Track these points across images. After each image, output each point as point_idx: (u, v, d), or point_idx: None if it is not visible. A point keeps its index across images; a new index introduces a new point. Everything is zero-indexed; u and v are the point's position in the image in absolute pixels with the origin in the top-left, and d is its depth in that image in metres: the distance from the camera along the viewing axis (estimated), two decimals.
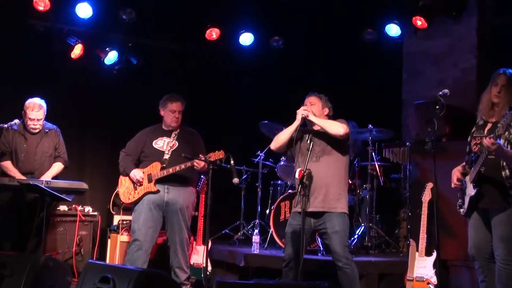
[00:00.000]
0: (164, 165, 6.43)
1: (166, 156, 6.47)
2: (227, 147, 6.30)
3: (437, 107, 5.50)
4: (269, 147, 6.01)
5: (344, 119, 5.71)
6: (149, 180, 6.42)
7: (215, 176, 5.90)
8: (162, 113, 6.62)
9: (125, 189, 6.53)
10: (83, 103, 8.64)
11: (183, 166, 6.33)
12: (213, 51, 9.18)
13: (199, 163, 6.29)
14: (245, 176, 8.68)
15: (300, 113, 5.62)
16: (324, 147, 5.62)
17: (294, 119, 5.73)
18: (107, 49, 8.39)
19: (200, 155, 6.23)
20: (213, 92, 9.34)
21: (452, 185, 5.61)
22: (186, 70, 9.15)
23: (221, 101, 9.44)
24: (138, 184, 6.43)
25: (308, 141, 5.58)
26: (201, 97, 9.14)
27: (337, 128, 5.53)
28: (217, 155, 6.15)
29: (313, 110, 5.70)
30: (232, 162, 5.95)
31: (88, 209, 7.82)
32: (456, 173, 5.57)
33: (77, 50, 8.21)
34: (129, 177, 6.51)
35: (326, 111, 5.83)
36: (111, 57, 8.43)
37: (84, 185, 7.09)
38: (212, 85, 9.34)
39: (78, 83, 8.51)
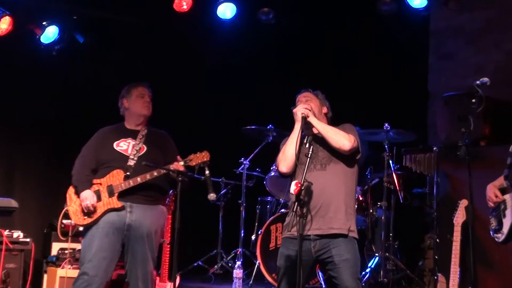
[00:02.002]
0: (128, 173, 6.31)
1: (131, 162, 6.34)
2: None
3: (474, 100, 5.50)
4: (276, 167, 5.94)
5: (353, 125, 5.72)
6: (111, 194, 6.27)
7: (185, 191, 5.85)
8: (126, 104, 6.54)
9: (77, 207, 6.33)
10: (11, 95, 8.60)
11: (155, 173, 6.20)
12: (184, 26, 9.16)
13: (178, 168, 6.18)
14: (224, 190, 8.68)
15: (300, 111, 5.61)
16: (329, 152, 5.63)
17: (288, 117, 5.74)
18: (44, 23, 8.36)
19: (178, 157, 6.19)
20: (183, 80, 9.33)
21: (490, 204, 5.63)
22: (149, 52, 9.13)
23: (194, 91, 9.43)
24: (91, 209, 6.33)
25: (307, 145, 5.57)
26: (168, 85, 9.11)
27: (342, 140, 5.51)
28: (200, 158, 6.09)
29: (312, 107, 5.72)
30: (207, 172, 5.93)
31: (17, 234, 7.75)
32: (492, 189, 5.56)
33: (4, 25, 8.15)
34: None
35: (325, 109, 5.84)
36: (50, 33, 8.39)
37: (13, 203, 7.04)
38: (183, 70, 9.32)
39: (5, 68, 8.48)
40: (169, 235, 7.24)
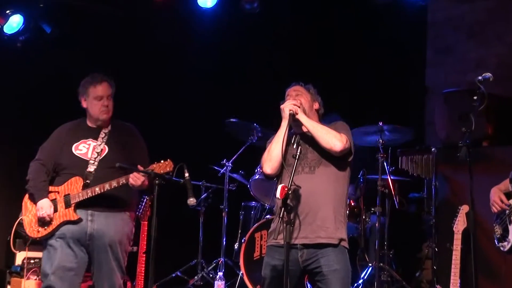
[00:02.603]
0: (88, 181, 6.25)
1: (91, 168, 6.29)
2: (179, 154, 6.24)
3: (475, 97, 5.50)
4: (261, 169, 5.92)
5: (346, 124, 5.68)
6: (67, 205, 6.22)
7: (163, 195, 5.81)
8: (84, 104, 6.46)
9: (31, 218, 6.29)
10: None
11: (115, 184, 6.14)
12: (162, 16, 9.13)
13: (136, 179, 6.13)
14: (205, 195, 8.65)
15: (288, 108, 5.56)
16: (319, 154, 5.60)
17: (275, 115, 5.72)
18: (7, 11, 8.31)
19: (139, 167, 6.12)
20: (161, 74, 9.29)
21: (493, 209, 5.63)
22: (123, 43, 9.10)
23: (172, 87, 9.40)
24: (47, 219, 6.28)
25: (295, 145, 5.55)
26: (144, 80, 9.09)
27: (333, 140, 5.45)
28: (162, 167, 6.02)
29: (302, 103, 5.69)
30: (186, 175, 5.88)
31: None
32: (497, 193, 5.56)
33: None
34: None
35: (316, 105, 5.80)
36: (14, 23, 8.35)
37: None
38: (160, 63, 9.29)
39: None
40: (145, 243, 7.21)
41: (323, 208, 5.48)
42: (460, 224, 6.69)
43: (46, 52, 8.69)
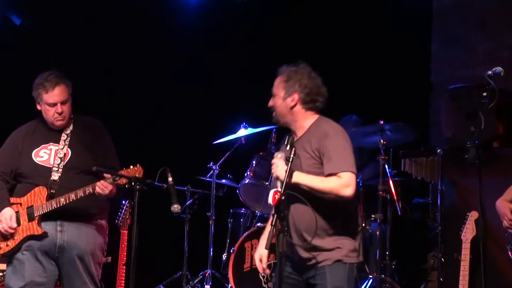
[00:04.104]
0: (52, 190, 6.20)
1: (56, 176, 6.24)
2: (160, 157, 6.25)
3: (485, 94, 5.51)
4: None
5: (344, 137, 5.47)
6: (30, 218, 6.18)
7: (144, 202, 5.76)
8: (38, 107, 6.34)
9: None
10: None
11: (81, 194, 6.09)
12: (141, 7, 9.13)
13: (103, 188, 6.06)
14: (190, 201, 8.65)
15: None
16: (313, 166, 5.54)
17: (265, 112, 5.72)
18: None
19: (106, 175, 6.03)
20: (140, 69, 9.28)
21: (505, 223, 5.65)
22: (99, 37, 9.09)
23: (151, 82, 9.39)
24: (9, 231, 6.21)
25: (288, 147, 5.46)
26: (122, 76, 9.08)
27: (338, 192, 5.24)
28: (131, 173, 5.98)
29: (275, 105, 5.62)
30: (170, 179, 5.88)
31: None
32: (506, 205, 5.59)
33: None
34: None
35: (294, 97, 5.52)
36: None
37: None
38: (139, 58, 9.28)
39: None
40: (125, 254, 7.20)
41: (319, 224, 5.33)
42: (468, 232, 6.70)
43: (15, 47, 8.67)
